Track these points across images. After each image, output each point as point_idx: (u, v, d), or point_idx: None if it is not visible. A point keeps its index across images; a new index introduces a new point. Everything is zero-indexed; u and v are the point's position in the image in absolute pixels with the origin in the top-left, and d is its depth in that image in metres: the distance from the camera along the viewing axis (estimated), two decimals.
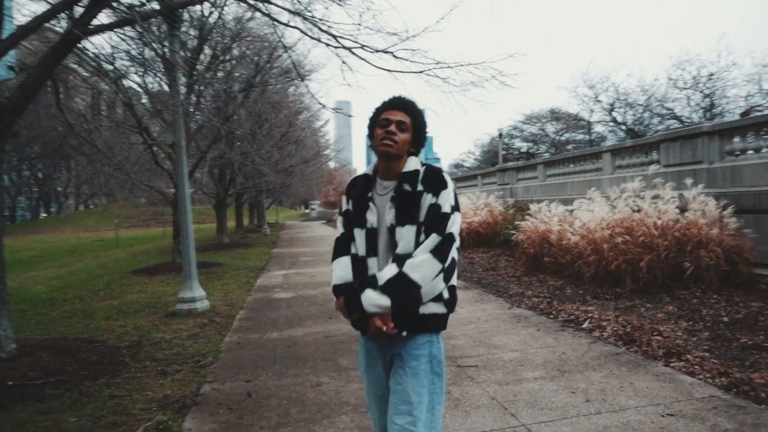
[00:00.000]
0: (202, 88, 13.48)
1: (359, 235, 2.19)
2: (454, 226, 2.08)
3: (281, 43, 11.48)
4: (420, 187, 2.10)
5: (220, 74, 15.84)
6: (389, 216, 2.12)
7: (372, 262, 2.14)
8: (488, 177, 19.48)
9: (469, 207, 15.77)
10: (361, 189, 2.24)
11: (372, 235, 2.16)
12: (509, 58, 5.86)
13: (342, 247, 2.29)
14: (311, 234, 30.93)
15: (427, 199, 2.08)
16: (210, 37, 13.01)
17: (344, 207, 2.30)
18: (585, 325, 5.96)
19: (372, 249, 2.15)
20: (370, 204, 2.18)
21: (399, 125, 2.15)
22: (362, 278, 2.14)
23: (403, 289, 1.99)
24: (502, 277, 9.84)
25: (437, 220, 2.05)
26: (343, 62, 5.59)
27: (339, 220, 2.33)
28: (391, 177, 2.19)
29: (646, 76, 71.01)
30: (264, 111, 17.31)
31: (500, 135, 28.52)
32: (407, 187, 2.11)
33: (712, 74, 22.00)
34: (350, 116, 8.09)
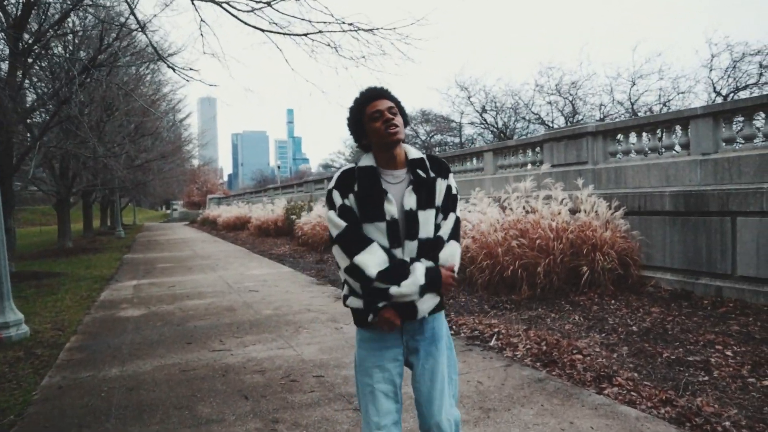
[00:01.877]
0: (30, 60, 11.18)
1: (377, 228, 2.10)
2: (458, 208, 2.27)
3: (133, 15, 9.73)
4: (432, 174, 2.17)
5: (58, 49, 13.47)
6: (410, 201, 2.11)
7: (398, 253, 2.10)
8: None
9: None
10: (369, 181, 2.13)
11: (394, 227, 2.10)
12: (413, 25, 4.97)
13: (358, 236, 2.09)
14: (172, 236, 28.28)
15: (442, 183, 2.18)
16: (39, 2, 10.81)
17: (339, 202, 2.13)
18: (492, 342, 5.24)
19: (396, 240, 2.11)
20: (388, 195, 2.10)
21: (390, 111, 2.13)
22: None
23: (440, 278, 2.09)
24: None
25: (452, 201, 2.20)
26: (203, 20, 4.31)
27: (333, 215, 2.13)
28: (398, 166, 2.18)
29: (515, 81, 75.37)
30: (113, 97, 15.07)
31: None
32: (422, 173, 2.15)
33: (574, 82, 23.21)
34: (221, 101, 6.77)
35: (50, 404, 4.22)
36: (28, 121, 13.16)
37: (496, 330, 5.55)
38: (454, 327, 5.89)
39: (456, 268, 2.15)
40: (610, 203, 7.69)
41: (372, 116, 2.13)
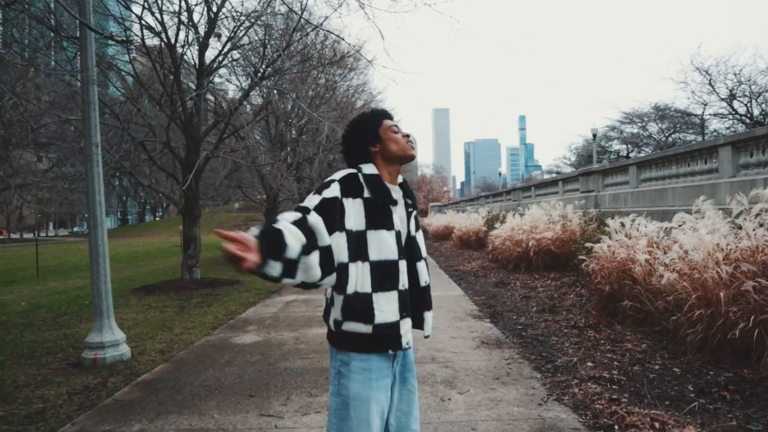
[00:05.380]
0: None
1: (385, 236, 2.03)
2: None
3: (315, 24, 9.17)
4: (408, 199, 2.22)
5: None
6: (412, 226, 2.20)
7: (402, 266, 2.07)
8: (570, 183, 15.92)
9: (542, 219, 12.53)
10: (381, 190, 2.06)
11: (399, 237, 2.09)
12: None
13: (301, 222, 1.83)
14: None
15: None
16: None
17: (333, 194, 1.96)
18: None
19: (402, 252, 2.08)
20: (397, 207, 2.12)
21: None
22: (400, 294, 2.03)
23: None
24: (560, 326, 6.67)
25: (417, 222, 2.27)
26: None
27: (316, 198, 1.94)
28: (395, 182, 2.19)
29: None
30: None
31: (594, 137, 24.40)
32: (408, 199, 2.20)
33: None
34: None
35: None
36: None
37: None
38: (617, 427, 3.56)
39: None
40: None
41: (392, 128, 2.16)
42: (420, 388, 4.60)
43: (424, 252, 2.21)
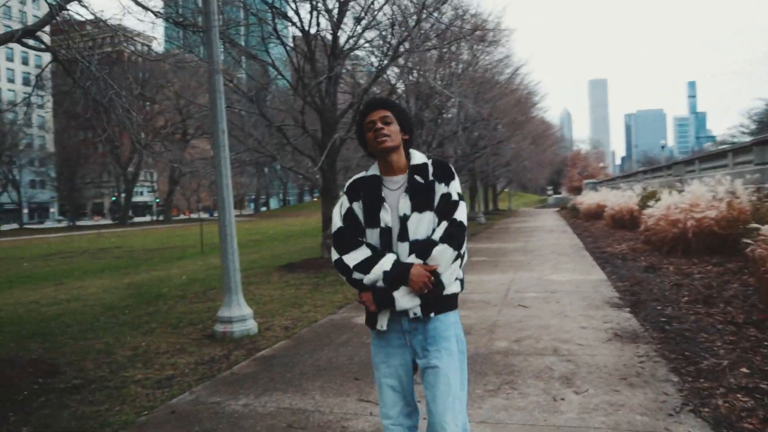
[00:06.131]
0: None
1: (372, 234, 2.25)
2: (463, 213, 2.23)
3: None
4: (431, 178, 2.24)
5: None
6: (404, 206, 2.22)
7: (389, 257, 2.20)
8: (742, 154, 13.73)
9: (705, 196, 11.01)
10: (371, 190, 2.28)
11: (386, 234, 2.23)
12: None
13: (350, 237, 2.27)
14: (526, 224, 27.41)
15: (440, 189, 2.23)
16: None
17: (347, 205, 2.32)
18: None
19: (387, 246, 2.22)
20: (384, 204, 2.24)
21: (383, 120, 2.24)
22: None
23: (407, 272, 2.14)
24: (714, 320, 5.72)
25: (449, 207, 2.22)
26: None
27: (336, 214, 2.32)
28: (398, 171, 2.29)
29: None
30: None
31: None
32: (419, 178, 2.24)
33: None
34: None
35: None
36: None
37: None
38: None
39: (442, 270, 2.16)
40: None
41: (366, 127, 2.29)
42: (532, 383, 4.21)
43: (415, 234, 2.21)
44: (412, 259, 2.16)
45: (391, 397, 2.29)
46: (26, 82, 71.58)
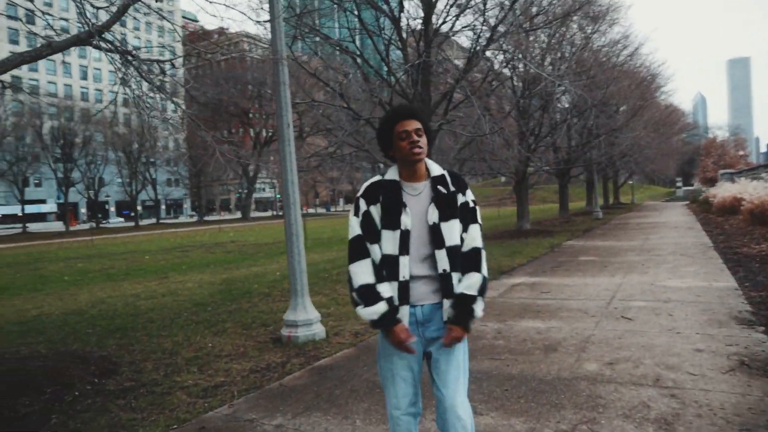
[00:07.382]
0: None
1: (391, 235, 2.32)
2: (479, 217, 2.45)
3: None
4: (452, 188, 2.41)
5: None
6: (433, 216, 2.35)
7: (404, 260, 2.31)
8: None
9: None
10: (391, 194, 2.36)
11: (406, 236, 2.32)
12: None
13: (361, 247, 2.37)
14: (649, 219, 25.00)
15: (460, 198, 2.40)
16: None
17: (363, 208, 2.39)
18: None
19: (405, 248, 2.32)
20: (406, 209, 2.34)
21: (417, 132, 2.35)
22: (400, 285, 2.31)
23: (486, 286, 2.36)
24: None
25: (471, 213, 2.42)
26: None
27: (354, 220, 2.41)
28: (418, 179, 2.42)
29: None
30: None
31: None
32: (442, 189, 2.39)
33: None
34: None
35: None
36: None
37: None
38: None
39: (476, 307, 2.31)
40: None
41: (400, 135, 2.35)
42: (619, 426, 3.38)
43: (450, 241, 2.32)
44: (472, 276, 2.33)
45: (403, 389, 2.38)
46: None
